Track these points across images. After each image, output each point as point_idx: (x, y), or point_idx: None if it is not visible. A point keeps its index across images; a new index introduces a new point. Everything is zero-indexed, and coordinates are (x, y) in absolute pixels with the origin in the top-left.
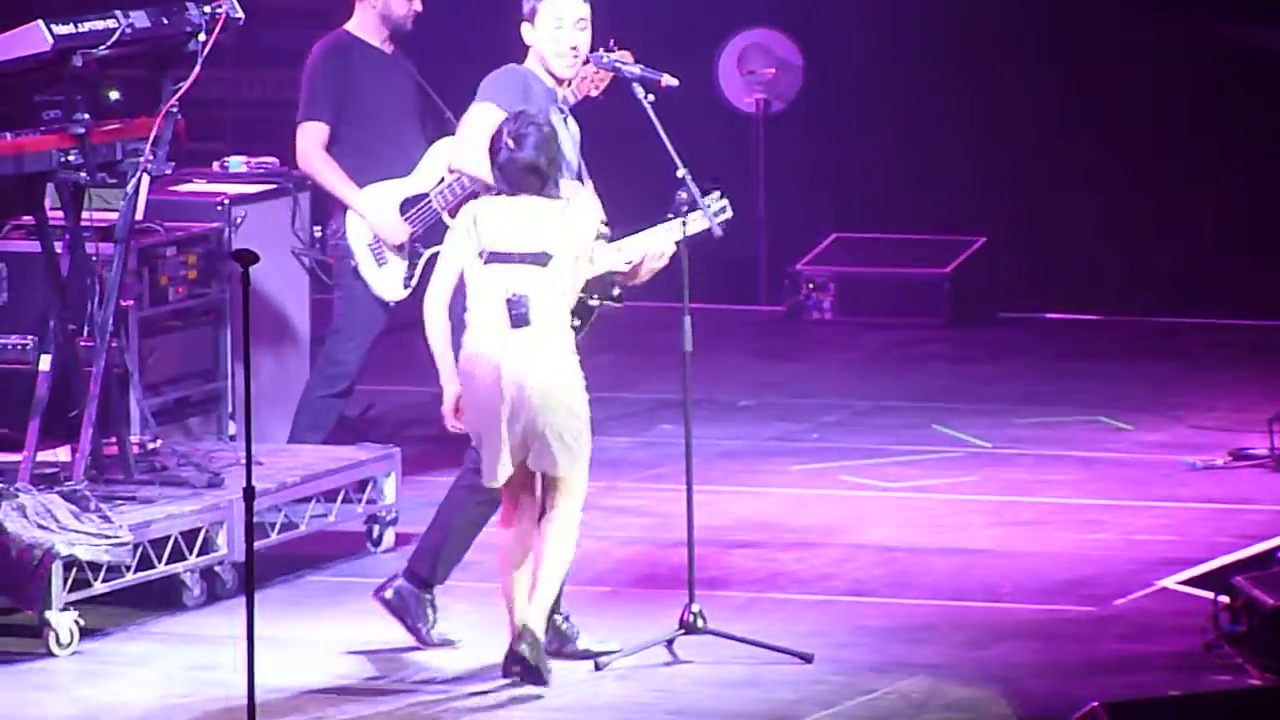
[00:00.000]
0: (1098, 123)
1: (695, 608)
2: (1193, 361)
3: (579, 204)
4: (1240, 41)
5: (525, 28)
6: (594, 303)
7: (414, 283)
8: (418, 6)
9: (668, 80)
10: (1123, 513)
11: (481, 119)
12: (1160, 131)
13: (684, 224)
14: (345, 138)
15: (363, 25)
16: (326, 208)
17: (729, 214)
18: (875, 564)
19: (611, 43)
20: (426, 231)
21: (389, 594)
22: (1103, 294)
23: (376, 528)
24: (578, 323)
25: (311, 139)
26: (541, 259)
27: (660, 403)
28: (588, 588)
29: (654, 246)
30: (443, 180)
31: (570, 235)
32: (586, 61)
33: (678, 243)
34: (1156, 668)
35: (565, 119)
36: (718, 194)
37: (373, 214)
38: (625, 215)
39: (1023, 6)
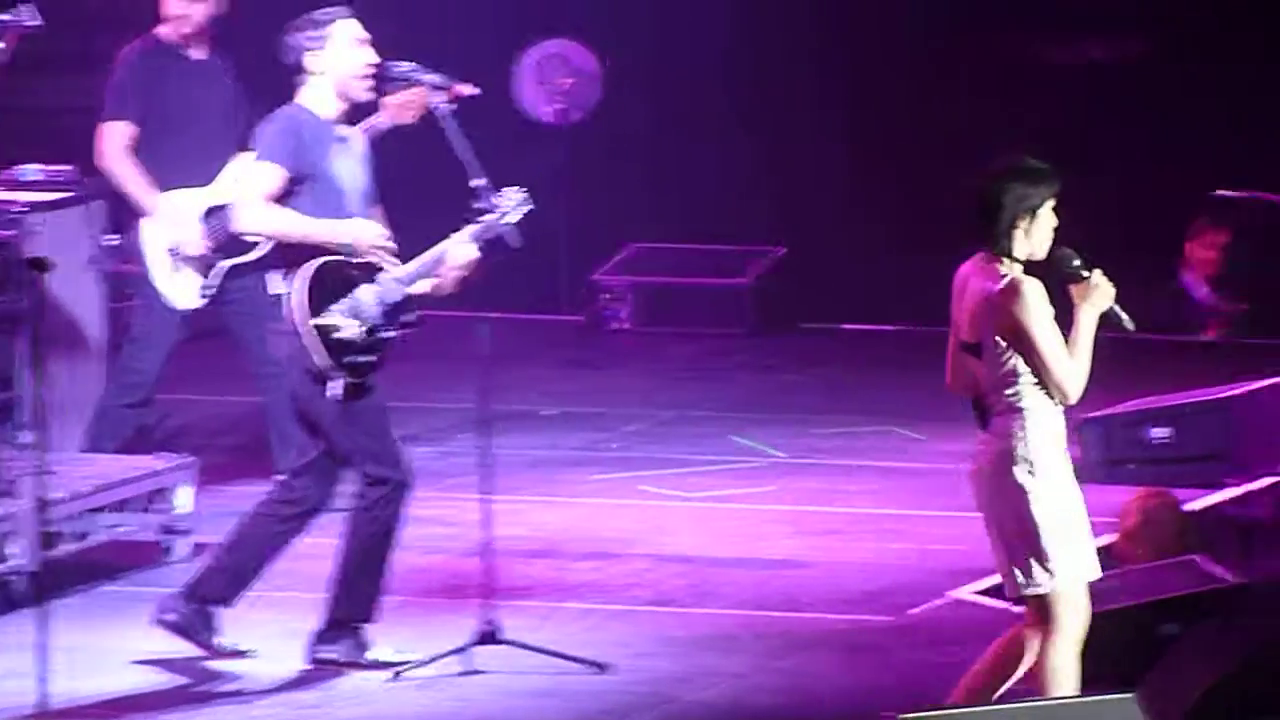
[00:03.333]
0: (899, 136)
1: (491, 617)
2: None
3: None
4: (1035, 55)
5: (314, 58)
6: (389, 334)
7: (210, 292)
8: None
9: (465, 89)
10: (919, 523)
11: (256, 178)
12: (957, 143)
13: (476, 224)
14: (150, 143)
15: (174, 29)
16: (126, 215)
17: (529, 206)
18: (676, 574)
19: (414, 64)
20: (226, 243)
21: (170, 616)
22: (900, 305)
23: (172, 538)
24: (373, 358)
25: (115, 139)
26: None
27: (460, 412)
28: (386, 597)
29: (452, 258)
30: None
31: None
32: (388, 83)
33: (478, 249)
34: (953, 678)
35: (347, 144)
36: (515, 188)
37: (171, 221)
38: (423, 230)
39: (818, 18)
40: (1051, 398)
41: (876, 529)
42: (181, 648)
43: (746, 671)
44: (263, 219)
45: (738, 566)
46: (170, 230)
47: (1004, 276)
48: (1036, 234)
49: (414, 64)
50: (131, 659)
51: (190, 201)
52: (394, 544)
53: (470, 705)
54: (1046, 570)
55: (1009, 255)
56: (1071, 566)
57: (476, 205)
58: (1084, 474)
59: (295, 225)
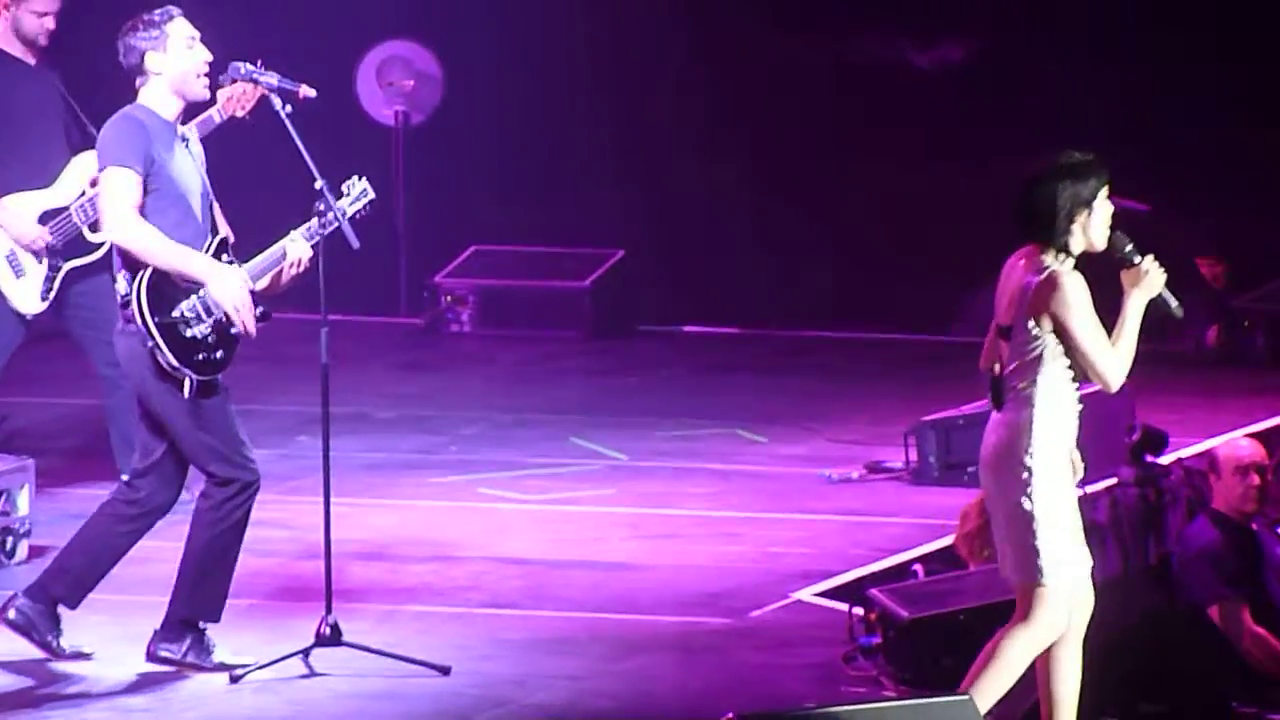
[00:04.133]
0: (739, 138)
1: (331, 620)
2: (829, 375)
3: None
4: (876, 57)
5: (153, 58)
6: (236, 330)
7: (51, 295)
8: (50, 24)
9: (305, 91)
10: (759, 525)
11: (119, 188)
12: (799, 147)
13: (312, 221)
14: None
15: (3, 35)
16: None
17: (370, 195)
18: (514, 577)
19: (260, 62)
20: (66, 245)
21: (12, 614)
22: (740, 308)
23: (9, 540)
24: (222, 355)
25: None
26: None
27: (299, 415)
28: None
29: (290, 255)
30: (84, 194)
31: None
32: (231, 80)
33: (315, 250)
34: (793, 680)
35: (187, 145)
36: (357, 177)
37: (12, 223)
38: (263, 229)
39: (664, 22)
40: (1072, 393)
41: (717, 531)
42: (21, 648)
43: (584, 674)
44: (134, 236)
45: (576, 569)
46: (10, 234)
47: (1046, 269)
48: (1094, 227)
49: (254, 65)
50: None
51: (29, 204)
52: (240, 544)
53: (308, 708)
54: (1036, 563)
55: (1067, 251)
56: (1058, 565)
57: (318, 206)
58: (922, 476)
59: (164, 252)
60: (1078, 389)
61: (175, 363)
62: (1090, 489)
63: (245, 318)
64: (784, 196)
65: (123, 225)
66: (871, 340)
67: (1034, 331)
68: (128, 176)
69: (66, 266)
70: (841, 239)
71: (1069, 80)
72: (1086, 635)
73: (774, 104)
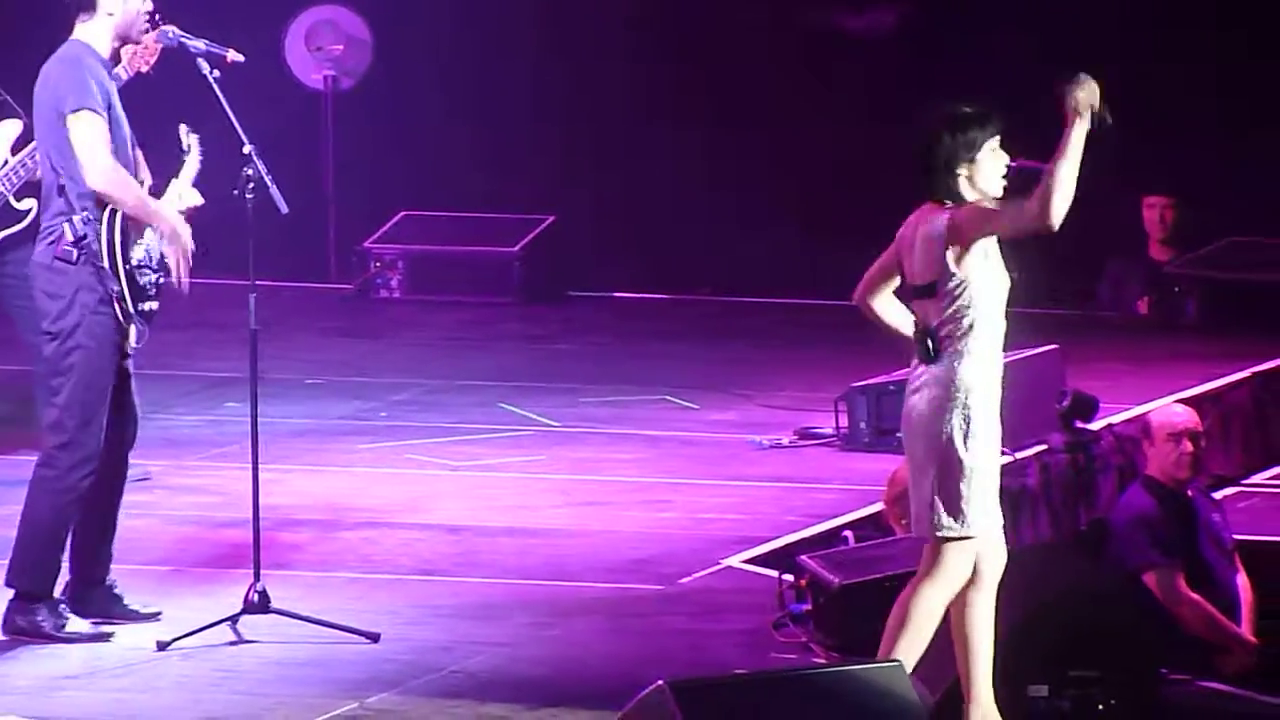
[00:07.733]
0: (672, 103)
1: (260, 587)
2: (760, 341)
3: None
4: (821, 24)
5: None
6: (165, 282)
7: None
8: None
9: (233, 56)
10: (690, 491)
11: (94, 132)
12: (735, 112)
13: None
14: None
15: None
16: None
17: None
18: (443, 543)
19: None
20: None
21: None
22: (672, 274)
23: None
24: (155, 305)
25: None
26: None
27: (226, 380)
28: (151, 567)
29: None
30: (6, 163)
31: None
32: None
33: (247, 214)
34: (723, 646)
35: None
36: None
37: None
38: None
39: None
40: (996, 347)
41: (647, 498)
42: None
43: (513, 641)
44: (116, 182)
45: (505, 535)
46: None
47: (946, 212)
48: (981, 178)
49: (180, 29)
50: None
51: None
52: (78, 517)
53: (237, 676)
54: (960, 515)
55: (959, 202)
56: (981, 518)
57: (246, 171)
58: (852, 442)
59: (135, 198)
60: (999, 349)
61: (132, 310)
62: (1020, 455)
63: (184, 270)
64: (716, 162)
65: (104, 171)
66: (802, 306)
67: (957, 278)
68: (97, 120)
69: None
70: (774, 204)
71: (999, 44)
72: (1015, 603)
73: (708, 69)
